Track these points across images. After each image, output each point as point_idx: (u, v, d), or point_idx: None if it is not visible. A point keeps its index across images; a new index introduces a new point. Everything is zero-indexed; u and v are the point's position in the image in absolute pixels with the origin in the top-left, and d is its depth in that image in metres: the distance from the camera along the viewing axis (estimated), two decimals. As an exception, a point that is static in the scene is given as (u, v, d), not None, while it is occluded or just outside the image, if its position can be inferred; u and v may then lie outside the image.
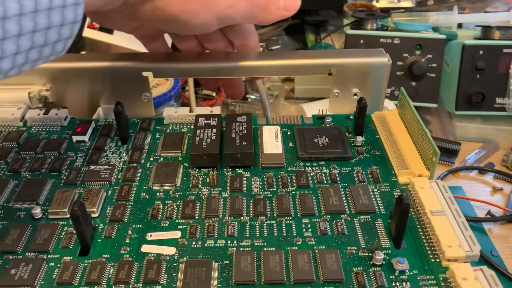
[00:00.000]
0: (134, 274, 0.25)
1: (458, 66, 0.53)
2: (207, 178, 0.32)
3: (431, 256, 0.26)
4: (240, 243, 0.27)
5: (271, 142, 0.34)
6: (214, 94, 0.61)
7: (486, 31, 0.55)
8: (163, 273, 0.25)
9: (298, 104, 0.55)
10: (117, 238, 0.27)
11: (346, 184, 0.31)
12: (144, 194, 0.31)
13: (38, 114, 0.37)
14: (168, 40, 0.41)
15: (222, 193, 0.31)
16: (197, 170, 0.32)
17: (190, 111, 0.38)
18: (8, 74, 0.22)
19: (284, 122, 0.38)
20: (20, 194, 0.30)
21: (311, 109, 0.48)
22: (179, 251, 0.27)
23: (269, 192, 0.30)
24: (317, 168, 0.32)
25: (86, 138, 0.35)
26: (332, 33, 0.71)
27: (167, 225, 0.28)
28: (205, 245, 0.27)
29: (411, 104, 0.34)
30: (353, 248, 0.26)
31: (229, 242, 0.27)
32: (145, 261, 0.26)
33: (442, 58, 0.55)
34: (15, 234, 0.27)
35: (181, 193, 0.31)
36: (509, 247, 0.42)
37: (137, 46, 0.57)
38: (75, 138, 0.35)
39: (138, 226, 0.28)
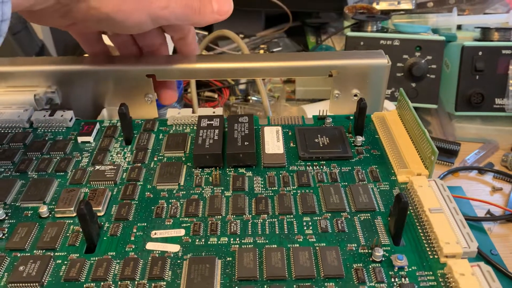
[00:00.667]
0: (139, 270, 0.26)
1: (458, 67, 0.54)
2: (210, 178, 0.32)
3: (429, 253, 0.26)
4: (243, 241, 0.28)
5: (273, 142, 0.35)
6: (216, 95, 0.62)
7: (485, 32, 0.55)
8: (167, 270, 0.26)
9: (299, 106, 0.56)
10: (122, 236, 0.28)
11: (346, 183, 0.32)
12: (149, 193, 0.31)
13: (44, 116, 0.37)
14: (170, 44, 0.42)
15: (225, 192, 0.31)
16: (200, 169, 0.33)
17: (193, 112, 0.38)
18: None
19: (285, 123, 0.38)
20: (27, 193, 0.31)
21: (312, 110, 0.48)
22: (183, 249, 0.27)
23: (270, 191, 0.31)
24: (317, 167, 0.33)
25: (91, 139, 0.36)
26: (332, 35, 0.72)
27: (171, 223, 0.29)
28: (209, 242, 0.28)
29: (410, 104, 0.34)
30: (353, 245, 0.27)
31: (231, 239, 0.28)
32: (150, 258, 0.27)
33: (441, 60, 0.55)
34: (23, 232, 0.28)
35: (184, 192, 0.31)
36: (509, 246, 0.42)
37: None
38: (80, 139, 0.36)
39: (143, 224, 0.29)
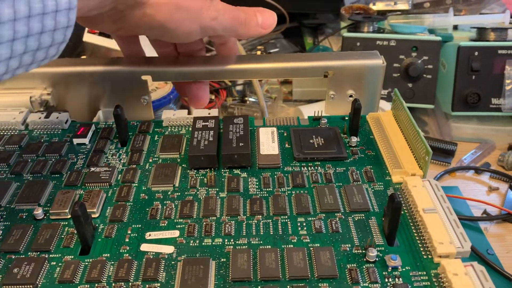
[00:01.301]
0: (133, 272, 0.26)
1: (454, 67, 0.54)
2: (205, 179, 0.32)
3: (423, 253, 0.26)
4: (237, 242, 0.28)
5: (268, 143, 0.35)
6: (213, 97, 0.62)
7: (481, 32, 0.55)
8: (161, 271, 0.26)
9: (296, 106, 0.56)
10: (117, 237, 0.28)
11: (341, 184, 0.32)
12: (143, 194, 0.31)
13: (40, 118, 0.37)
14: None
15: (220, 193, 0.31)
16: (195, 171, 0.33)
17: (189, 113, 0.39)
18: (2, 78, 0.23)
19: (281, 124, 0.38)
20: (22, 195, 0.31)
21: (308, 111, 0.48)
22: (177, 250, 0.27)
23: (265, 192, 0.31)
24: (312, 168, 0.33)
25: (86, 140, 0.36)
26: (329, 36, 0.72)
27: (165, 224, 0.29)
28: (203, 243, 0.28)
29: (404, 104, 0.34)
30: (347, 245, 0.27)
31: (226, 240, 0.28)
32: (144, 259, 0.27)
33: (438, 60, 0.55)
34: (17, 235, 0.28)
35: (179, 194, 0.31)
36: (505, 246, 0.42)
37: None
38: (76, 140, 0.36)
39: (138, 226, 0.29)
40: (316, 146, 0.34)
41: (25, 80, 0.39)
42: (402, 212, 0.29)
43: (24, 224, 0.29)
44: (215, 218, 0.29)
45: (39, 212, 0.29)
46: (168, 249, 0.27)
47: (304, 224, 0.29)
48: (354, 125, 0.35)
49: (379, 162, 0.33)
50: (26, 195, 0.31)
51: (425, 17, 0.61)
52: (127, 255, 0.27)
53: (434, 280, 0.25)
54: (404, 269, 0.26)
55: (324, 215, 0.29)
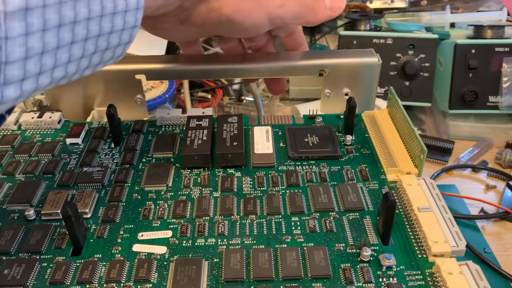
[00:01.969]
0: (125, 273, 0.25)
1: (451, 65, 0.54)
2: (199, 178, 0.32)
3: (418, 252, 0.26)
4: (230, 242, 0.27)
5: (262, 142, 0.35)
6: (209, 96, 0.61)
7: (478, 30, 0.55)
8: (153, 272, 0.25)
9: (293, 105, 0.55)
10: (109, 238, 0.28)
11: (336, 183, 0.31)
12: (136, 194, 0.31)
13: (32, 118, 0.37)
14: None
15: (213, 193, 0.31)
16: (189, 170, 0.33)
17: (183, 112, 0.38)
18: (72, 78, 0.22)
19: (276, 122, 0.38)
20: (14, 196, 0.30)
21: (305, 110, 0.48)
22: (169, 250, 0.27)
23: (259, 191, 0.31)
24: (307, 167, 0.33)
25: (79, 140, 0.36)
26: (326, 34, 0.72)
27: (158, 225, 0.29)
28: (196, 244, 0.27)
29: (399, 102, 0.34)
30: (341, 245, 0.27)
31: (219, 240, 0.27)
32: (136, 260, 0.26)
33: (435, 58, 0.55)
34: (8, 235, 0.28)
35: (172, 194, 0.31)
36: (502, 244, 0.42)
37: (130, 49, 0.58)
38: (69, 140, 0.36)
39: (130, 226, 0.29)
40: (311, 144, 0.34)
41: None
42: (397, 211, 0.29)
43: (15, 225, 0.29)
44: (208, 218, 0.29)
45: (30, 212, 0.29)
46: (161, 249, 0.27)
47: (298, 223, 0.28)
48: (349, 124, 0.35)
49: (374, 161, 0.33)
50: (18, 195, 0.30)
51: (422, 15, 0.60)
52: (119, 255, 0.27)
53: (428, 279, 0.25)
54: (398, 269, 0.25)
55: (318, 214, 0.29)
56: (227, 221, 0.29)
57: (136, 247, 0.27)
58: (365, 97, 0.39)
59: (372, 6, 0.66)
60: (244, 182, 0.32)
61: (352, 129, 0.35)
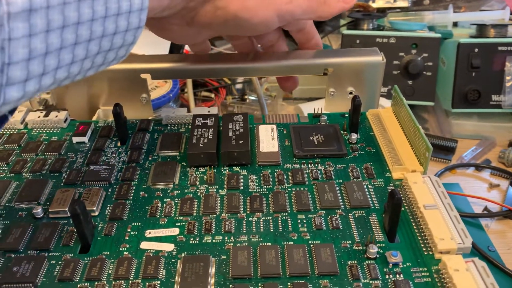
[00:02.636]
0: (133, 270, 0.26)
1: (454, 64, 0.54)
2: (205, 177, 0.32)
3: (424, 249, 0.26)
4: (237, 239, 0.27)
5: (268, 140, 0.35)
6: (213, 95, 0.62)
7: (481, 29, 0.55)
8: (161, 269, 0.26)
9: (296, 104, 0.56)
10: (116, 235, 0.28)
11: (341, 181, 0.31)
12: (143, 192, 0.31)
13: (39, 117, 0.37)
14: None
15: (220, 190, 0.31)
16: (195, 168, 0.33)
17: (188, 111, 0.38)
18: (75, 79, 0.22)
19: (280, 121, 0.38)
20: (21, 194, 0.31)
21: (309, 109, 0.48)
22: (177, 247, 0.27)
23: (265, 189, 0.31)
24: (312, 165, 0.33)
25: (85, 139, 0.36)
26: (329, 33, 0.72)
27: (165, 222, 0.29)
28: (203, 241, 0.27)
29: (404, 101, 0.34)
30: (347, 242, 0.27)
31: (226, 238, 0.28)
32: (144, 257, 0.26)
33: (437, 57, 0.55)
34: (17, 233, 0.28)
35: (179, 191, 0.31)
36: (506, 242, 0.42)
37: (135, 48, 0.58)
38: (75, 139, 0.36)
39: (137, 223, 0.29)
40: (316, 143, 0.34)
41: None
42: (403, 209, 0.29)
43: (23, 223, 0.29)
44: (215, 215, 0.29)
45: (38, 210, 0.29)
46: (168, 246, 0.27)
47: (305, 221, 0.29)
48: (354, 122, 0.35)
49: (379, 159, 0.33)
50: (26, 194, 0.31)
51: (425, 14, 0.61)
52: (127, 253, 0.27)
53: (435, 276, 0.25)
54: (405, 266, 0.25)
55: (324, 212, 0.29)
56: (233, 219, 0.29)
57: (144, 245, 0.27)
58: (369, 96, 0.39)
59: (375, 5, 0.66)
60: (250, 180, 0.32)
61: (357, 128, 0.36)
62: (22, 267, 0.26)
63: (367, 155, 0.34)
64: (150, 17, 0.24)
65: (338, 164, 0.33)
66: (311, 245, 0.27)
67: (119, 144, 0.36)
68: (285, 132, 0.36)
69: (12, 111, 0.22)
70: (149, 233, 0.28)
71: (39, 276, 0.25)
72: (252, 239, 0.27)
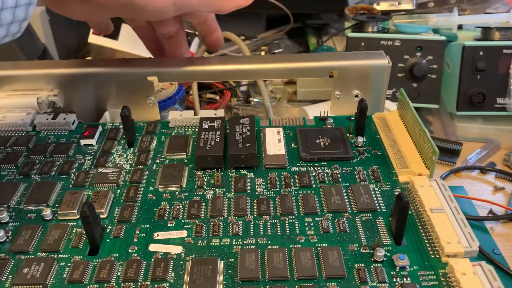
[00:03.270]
0: (142, 272, 0.26)
1: (459, 67, 0.54)
2: (212, 179, 0.32)
3: (431, 252, 0.26)
4: (245, 242, 0.28)
5: (274, 143, 0.35)
6: (218, 97, 0.62)
7: (486, 32, 0.55)
8: (170, 271, 0.26)
9: (300, 107, 0.56)
10: (125, 238, 0.28)
11: (348, 184, 0.32)
12: (151, 195, 0.31)
13: (47, 119, 0.38)
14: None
15: (227, 193, 0.31)
16: (202, 171, 0.33)
17: (195, 114, 0.39)
18: None
19: (287, 124, 0.38)
20: (30, 196, 0.31)
21: (313, 112, 0.48)
22: (185, 250, 0.27)
23: (272, 192, 0.31)
24: (319, 168, 0.33)
25: (93, 141, 0.36)
26: (333, 36, 0.72)
27: (173, 224, 0.29)
28: (211, 243, 0.28)
29: (410, 104, 0.34)
30: (354, 245, 0.27)
31: (234, 240, 0.28)
32: (152, 259, 0.27)
33: (442, 60, 0.55)
34: (26, 235, 0.28)
35: (186, 194, 0.31)
36: (511, 245, 0.42)
37: (141, 51, 0.58)
38: (83, 141, 0.36)
39: (146, 226, 0.29)
40: (323, 146, 0.35)
41: (32, 82, 0.39)
42: (409, 212, 0.29)
43: (33, 225, 0.29)
44: (222, 218, 0.29)
45: (47, 212, 0.29)
46: (177, 249, 0.27)
47: (312, 224, 0.29)
48: (361, 125, 0.36)
49: (386, 162, 0.33)
50: (35, 196, 0.31)
51: (430, 17, 0.61)
52: (136, 255, 0.27)
53: (442, 279, 0.25)
54: (412, 269, 0.26)
55: (331, 215, 0.29)
56: (241, 222, 0.29)
57: (152, 247, 0.28)
58: (375, 99, 0.40)
59: (379, 8, 0.66)
60: (257, 183, 0.32)
61: (363, 131, 0.36)
62: (32, 268, 0.26)
63: (374, 158, 0.34)
64: None
65: (345, 167, 0.33)
66: (319, 248, 0.27)
67: (126, 146, 0.36)
68: (291, 135, 0.37)
69: None
70: (157, 235, 0.28)
71: (49, 278, 0.26)
72: (260, 242, 0.28)
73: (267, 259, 0.26)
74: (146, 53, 0.42)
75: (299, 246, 0.27)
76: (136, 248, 0.28)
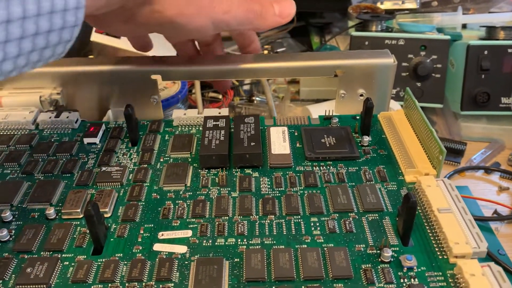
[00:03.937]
0: (146, 272, 0.26)
1: (463, 66, 0.54)
2: (216, 178, 0.32)
3: (438, 253, 0.26)
4: (250, 242, 0.27)
5: (279, 142, 0.35)
6: (220, 96, 0.61)
7: (491, 31, 0.55)
8: (175, 271, 0.26)
9: (304, 106, 0.55)
10: (129, 237, 0.28)
11: (354, 183, 0.31)
12: (155, 194, 0.31)
13: (50, 117, 0.37)
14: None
15: (232, 193, 0.31)
16: (207, 170, 0.33)
17: (198, 113, 0.38)
18: (9, 75, 0.23)
19: (291, 123, 0.38)
20: (34, 195, 0.31)
21: (316, 111, 0.48)
22: (190, 250, 0.27)
23: (277, 192, 0.31)
24: (324, 167, 0.33)
25: (97, 140, 0.36)
26: (337, 35, 0.71)
27: (178, 224, 0.29)
28: (216, 243, 0.27)
29: (417, 103, 0.34)
30: (361, 245, 0.27)
31: (239, 240, 0.28)
32: (157, 259, 0.26)
33: (447, 59, 0.55)
34: (30, 234, 0.28)
35: (191, 193, 0.31)
36: (516, 246, 0.42)
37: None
38: (86, 140, 0.36)
39: (150, 225, 0.29)
40: (328, 145, 0.34)
41: (35, 80, 0.39)
42: (417, 212, 0.29)
43: (36, 224, 0.29)
44: (227, 217, 0.29)
45: (51, 211, 0.29)
46: (181, 249, 0.27)
47: (318, 224, 0.28)
48: (366, 124, 0.35)
49: (392, 162, 0.33)
50: (38, 194, 0.31)
51: (434, 16, 0.60)
52: (140, 255, 0.27)
53: (450, 280, 0.25)
54: (419, 270, 0.25)
55: (337, 215, 0.29)
56: (246, 221, 0.29)
57: (157, 247, 0.27)
58: (380, 98, 0.39)
59: (383, 7, 0.66)
60: (262, 183, 0.32)
61: (369, 130, 0.35)
62: (35, 268, 0.26)
63: (380, 158, 0.34)
64: (87, 14, 0.24)
65: (351, 166, 0.33)
66: (325, 249, 0.27)
67: (130, 145, 0.36)
68: (296, 134, 0.36)
69: None
70: (162, 235, 0.28)
71: (52, 277, 0.25)
72: (265, 242, 0.27)
73: (273, 259, 0.26)
74: (150, 52, 0.42)
75: (305, 246, 0.27)
76: (141, 247, 0.27)
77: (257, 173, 0.33)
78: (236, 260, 0.26)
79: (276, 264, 0.26)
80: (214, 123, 0.35)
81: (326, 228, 0.28)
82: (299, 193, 0.31)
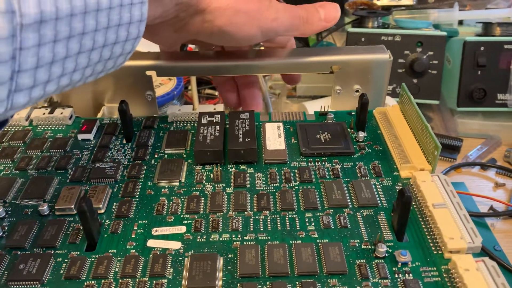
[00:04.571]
0: (140, 268, 0.26)
1: (459, 62, 0.54)
2: (211, 174, 0.32)
3: (433, 248, 0.26)
4: (245, 237, 0.27)
5: (274, 138, 0.35)
6: (216, 93, 0.61)
7: (487, 27, 0.55)
8: (169, 267, 0.26)
9: (300, 102, 0.55)
10: (123, 233, 0.28)
11: (349, 179, 0.31)
12: (149, 190, 0.31)
13: (44, 114, 0.37)
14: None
15: (226, 188, 0.31)
16: (201, 166, 0.33)
17: (193, 109, 0.38)
18: (76, 85, 0.23)
19: (287, 119, 0.38)
20: (27, 191, 0.31)
21: (313, 107, 0.48)
22: (184, 246, 0.27)
23: (272, 187, 0.31)
24: (319, 163, 0.33)
25: (91, 136, 0.36)
26: (333, 31, 0.71)
27: (172, 220, 0.29)
28: (210, 239, 0.27)
29: (412, 99, 0.34)
30: (356, 241, 0.27)
31: (233, 236, 0.27)
32: (151, 255, 0.26)
33: (443, 55, 0.55)
34: (23, 231, 0.28)
35: (185, 189, 0.31)
36: (512, 242, 0.42)
37: (139, 46, 0.58)
38: (80, 136, 0.36)
39: (144, 221, 0.29)
40: (323, 141, 0.34)
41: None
42: (411, 207, 0.28)
43: (29, 220, 0.29)
44: (222, 213, 0.29)
45: (44, 208, 0.29)
46: (175, 245, 0.27)
47: (312, 219, 0.28)
48: (361, 120, 0.35)
49: (387, 157, 0.33)
50: (31, 191, 0.31)
51: (430, 12, 0.60)
52: (134, 251, 0.27)
53: (444, 275, 0.25)
54: (414, 265, 0.25)
55: (332, 210, 0.29)
56: (240, 217, 0.29)
57: (151, 243, 0.27)
58: (375, 94, 0.39)
59: (379, 3, 0.66)
60: (256, 178, 0.32)
61: (364, 126, 0.35)
62: (28, 264, 0.25)
63: (375, 154, 0.34)
64: None
65: (346, 162, 0.33)
66: (319, 244, 0.26)
67: (124, 141, 0.36)
68: (291, 130, 0.36)
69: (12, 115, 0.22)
70: (156, 231, 0.28)
71: (45, 274, 0.25)
72: (260, 238, 0.27)
73: (267, 255, 0.26)
74: (144, 47, 0.42)
75: (300, 241, 0.27)
76: (134, 244, 0.27)
77: (252, 169, 0.33)
78: (230, 255, 0.26)
79: (270, 259, 0.25)
80: (209, 118, 0.35)
81: (320, 223, 0.28)
82: (294, 189, 0.31)
